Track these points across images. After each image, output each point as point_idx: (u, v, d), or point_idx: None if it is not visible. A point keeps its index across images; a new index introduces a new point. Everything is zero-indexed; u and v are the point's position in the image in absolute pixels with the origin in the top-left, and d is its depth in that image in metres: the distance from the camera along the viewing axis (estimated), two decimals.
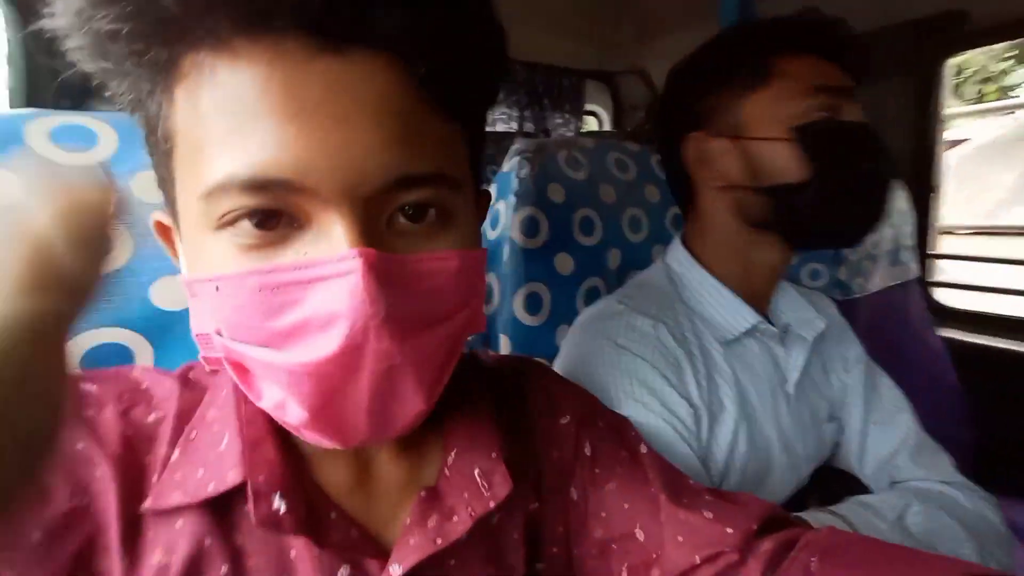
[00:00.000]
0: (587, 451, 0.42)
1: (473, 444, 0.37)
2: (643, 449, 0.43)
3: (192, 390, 0.35)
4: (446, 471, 0.36)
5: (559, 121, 2.11)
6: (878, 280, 1.12)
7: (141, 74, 0.27)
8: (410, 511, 0.34)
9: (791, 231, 0.60)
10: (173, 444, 0.33)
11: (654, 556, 0.37)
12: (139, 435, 0.32)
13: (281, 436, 0.34)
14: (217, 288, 0.27)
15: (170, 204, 0.30)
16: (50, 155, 0.41)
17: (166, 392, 0.35)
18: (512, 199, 0.72)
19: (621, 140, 0.90)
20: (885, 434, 0.68)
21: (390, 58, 0.26)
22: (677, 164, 0.64)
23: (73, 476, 0.30)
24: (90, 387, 0.33)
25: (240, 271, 0.26)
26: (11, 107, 1.10)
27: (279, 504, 0.30)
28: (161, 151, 0.29)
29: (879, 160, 0.55)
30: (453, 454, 0.37)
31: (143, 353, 0.44)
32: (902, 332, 1.13)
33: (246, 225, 0.26)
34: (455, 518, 0.34)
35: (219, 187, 0.25)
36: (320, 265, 0.25)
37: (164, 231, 0.33)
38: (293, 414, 0.28)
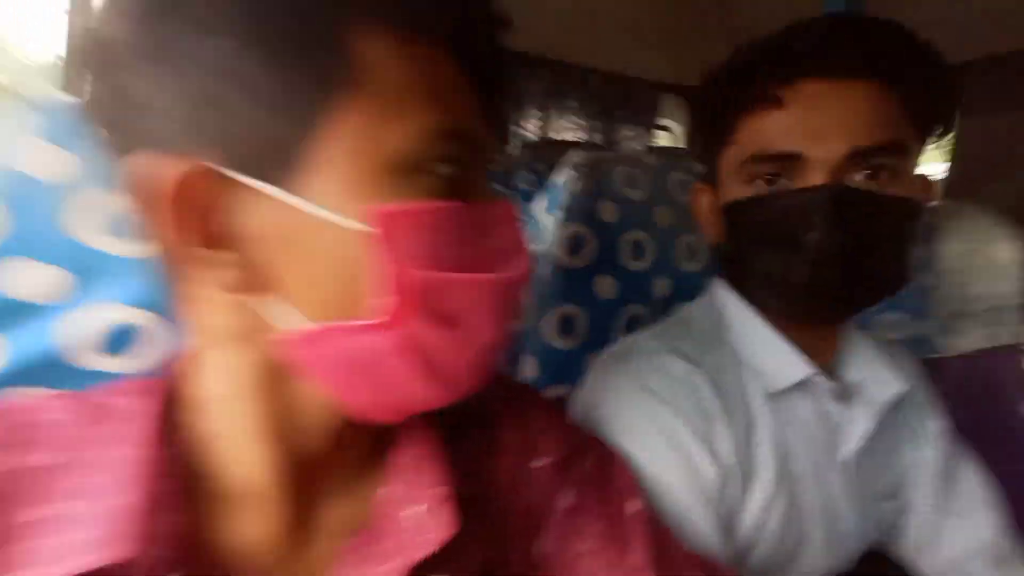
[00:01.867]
0: (562, 502, 0.37)
1: (418, 477, 0.33)
2: (631, 508, 0.38)
3: (96, 422, 0.28)
4: (382, 508, 0.32)
5: (630, 134, 2.05)
6: (972, 341, 0.98)
7: None
8: (341, 559, 0.31)
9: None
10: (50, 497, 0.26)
11: None
12: (16, 486, 0.26)
13: (196, 489, 0.29)
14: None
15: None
16: None
17: (59, 426, 0.28)
18: (559, 214, 0.68)
19: (689, 158, 0.84)
20: (961, 531, 0.58)
21: None
22: None
23: None
24: None
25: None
26: None
27: None
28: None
29: (829, 231, 0.44)
30: (389, 489, 0.33)
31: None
32: (993, 405, 0.98)
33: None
34: (386, 565, 0.30)
35: None
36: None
37: None
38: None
